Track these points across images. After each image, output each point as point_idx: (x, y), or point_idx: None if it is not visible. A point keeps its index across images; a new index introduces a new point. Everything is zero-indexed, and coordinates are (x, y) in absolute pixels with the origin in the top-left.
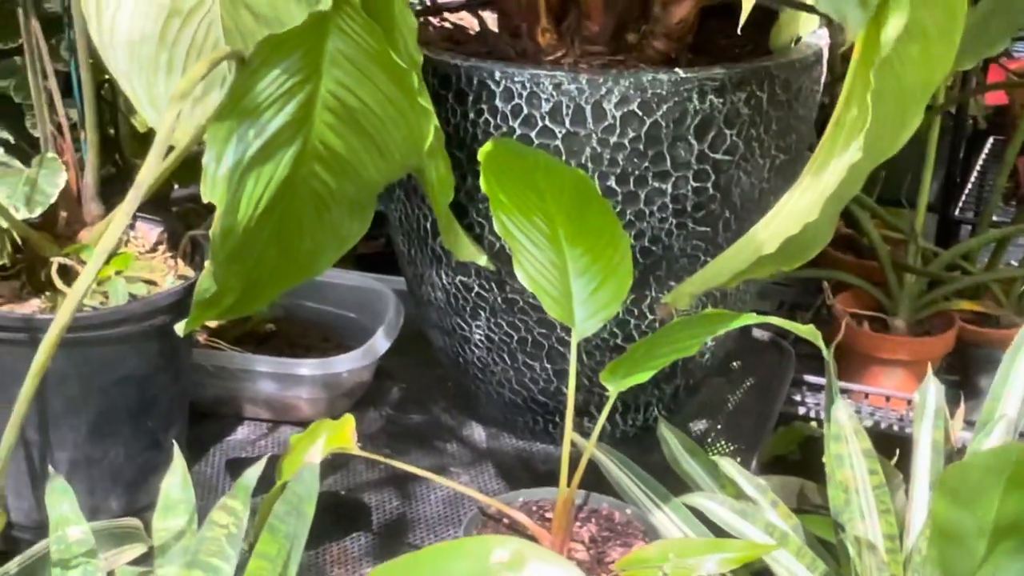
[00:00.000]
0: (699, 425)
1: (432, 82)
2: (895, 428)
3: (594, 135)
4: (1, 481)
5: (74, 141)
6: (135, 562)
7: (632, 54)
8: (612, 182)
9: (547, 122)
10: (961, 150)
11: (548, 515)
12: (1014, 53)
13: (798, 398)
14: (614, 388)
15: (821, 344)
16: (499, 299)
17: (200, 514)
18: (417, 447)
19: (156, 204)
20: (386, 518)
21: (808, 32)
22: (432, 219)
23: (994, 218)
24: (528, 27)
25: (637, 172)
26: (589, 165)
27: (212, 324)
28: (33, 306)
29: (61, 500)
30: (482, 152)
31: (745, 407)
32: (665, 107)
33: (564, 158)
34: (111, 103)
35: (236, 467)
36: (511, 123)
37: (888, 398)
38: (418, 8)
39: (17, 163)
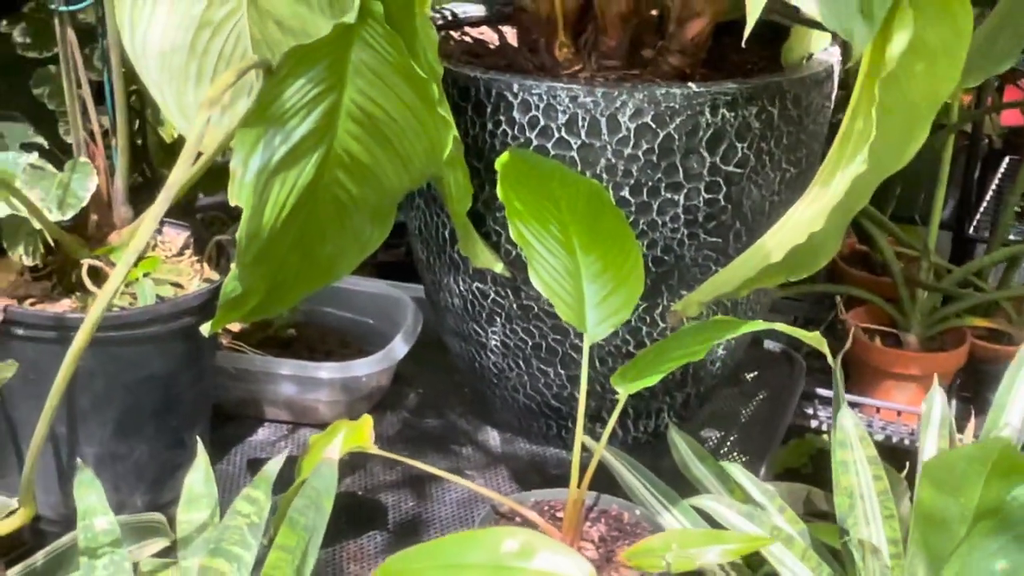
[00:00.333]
0: (709, 433)
1: (452, 93)
2: (906, 442)
3: (609, 147)
4: (31, 474)
5: (105, 148)
6: (158, 555)
7: (647, 69)
8: (626, 192)
9: (563, 133)
10: (976, 169)
11: (559, 514)
12: None
13: (810, 411)
14: (624, 391)
15: (826, 350)
16: (514, 306)
17: (222, 510)
18: (433, 450)
19: (182, 211)
20: (402, 518)
21: (819, 49)
22: (450, 227)
23: (1011, 236)
24: (546, 42)
25: (650, 183)
26: (604, 176)
27: (235, 328)
28: (64, 306)
29: (89, 491)
30: (499, 162)
31: (755, 417)
32: (678, 120)
33: (579, 169)
34: (139, 113)
35: (257, 467)
36: (528, 134)
37: (900, 412)
38: (439, 22)
39: (50, 167)
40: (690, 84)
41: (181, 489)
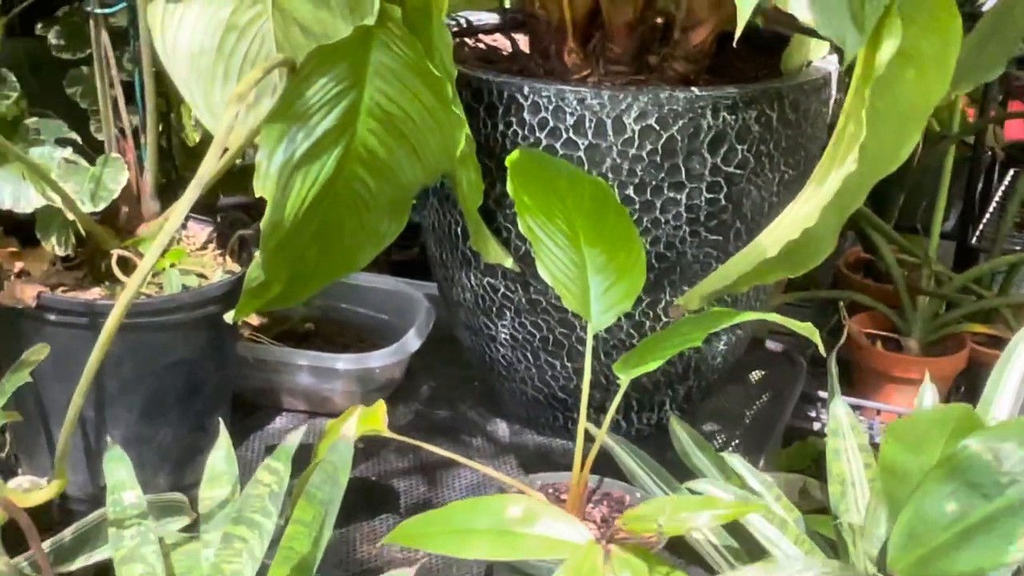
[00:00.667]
0: (710, 428)
1: (466, 95)
2: None
3: (614, 147)
4: (65, 448)
5: (134, 145)
6: (181, 532)
7: (653, 75)
8: (630, 191)
9: (571, 134)
10: (980, 180)
11: (563, 496)
12: None
13: (813, 414)
14: (625, 377)
15: (817, 339)
16: (523, 300)
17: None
18: (444, 440)
19: (204, 210)
20: (413, 502)
21: (819, 57)
22: (462, 224)
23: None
24: (556, 48)
25: (653, 182)
26: (609, 175)
27: (254, 322)
28: (94, 294)
29: (118, 467)
30: (509, 159)
31: (755, 414)
32: (681, 122)
33: (586, 168)
34: (165, 117)
35: None
36: (538, 134)
37: (900, 415)
38: (455, 29)
39: (83, 162)
40: (692, 88)
41: (202, 471)
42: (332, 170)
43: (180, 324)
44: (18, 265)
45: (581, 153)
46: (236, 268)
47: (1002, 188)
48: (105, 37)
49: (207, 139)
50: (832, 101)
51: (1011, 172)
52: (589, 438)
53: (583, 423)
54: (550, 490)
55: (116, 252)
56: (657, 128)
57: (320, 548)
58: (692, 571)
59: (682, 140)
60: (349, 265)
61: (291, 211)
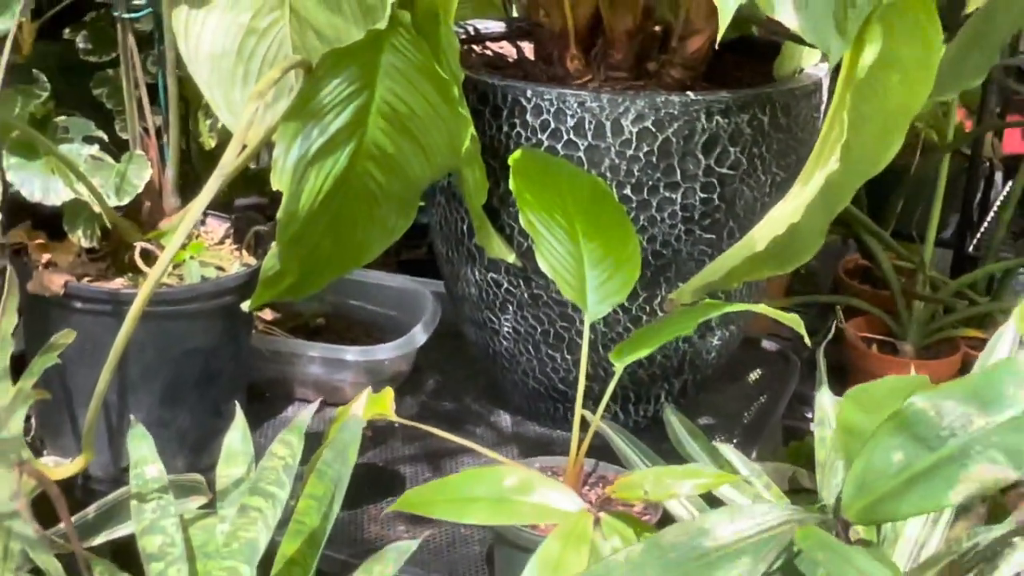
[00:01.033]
0: (705, 421)
1: (472, 98)
2: None
3: (612, 148)
4: (92, 423)
5: (157, 143)
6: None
7: (651, 80)
8: (628, 190)
9: (571, 136)
10: (978, 190)
11: (561, 478)
12: None
13: (810, 415)
14: (620, 364)
15: (802, 330)
16: (525, 294)
17: None
18: (449, 430)
19: (221, 209)
20: (418, 486)
21: (810, 64)
22: (468, 222)
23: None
24: (559, 54)
25: (650, 182)
26: (607, 174)
27: (268, 317)
28: (118, 284)
29: (141, 444)
30: (512, 158)
31: (749, 410)
32: (676, 125)
33: (585, 167)
34: (184, 121)
35: None
36: (540, 136)
37: None
38: (462, 36)
39: (109, 159)
40: (688, 92)
41: (218, 455)
42: (344, 165)
43: (199, 313)
44: (46, 256)
45: (581, 154)
46: (252, 261)
47: (1000, 198)
48: (131, 41)
49: (223, 143)
50: (823, 106)
51: (1010, 182)
52: (586, 425)
53: (579, 409)
54: (548, 472)
55: (139, 244)
56: (653, 130)
57: (329, 522)
58: None
59: (677, 142)
60: (359, 257)
61: (306, 203)
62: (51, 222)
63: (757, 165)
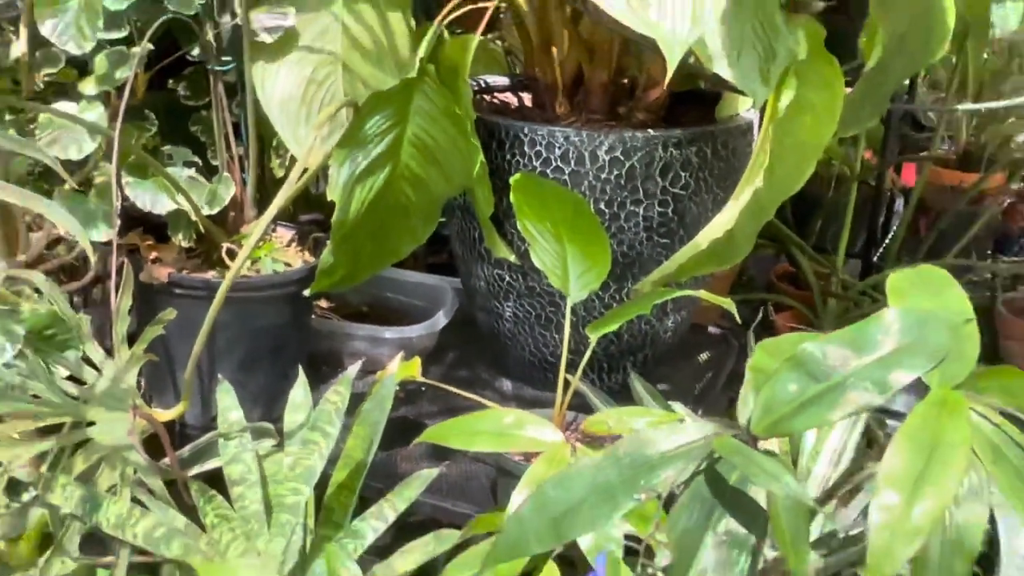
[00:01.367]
0: (661, 388)
1: (482, 134)
2: None
3: (590, 172)
4: (190, 380)
5: (239, 168)
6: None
7: (621, 121)
8: (602, 205)
9: (559, 163)
10: (881, 213)
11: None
12: None
13: None
14: (594, 336)
15: (733, 310)
16: (523, 286)
17: None
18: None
19: (288, 221)
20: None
21: (744, 109)
22: (478, 230)
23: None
24: (550, 101)
25: (619, 199)
26: (587, 193)
27: (324, 305)
28: (209, 275)
29: (226, 395)
30: (513, 180)
31: (698, 381)
32: (639, 155)
33: (570, 187)
34: (260, 151)
35: None
36: (534, 163)
37: None
38: (475, 87)
39: (202, 179)
40: (649, 130)
41: (284, 410)
42: (383, 184)
43: (271, 299)
44: (154, 254)
45: (566, 177)
46: (311, 260)
47: (897, 220)
48: (220, 89)
49: (288, 171)
50: (754, 141)
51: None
52: (568, 386)
53: (563, 372)
54: None
55: (225, 245)
56: (622, 159)
57: (370, 456)
58: None
59: (640, 168)
60: (393, 256)
61: (353, 213)
62: (158, 228)
63: (702, 187)
